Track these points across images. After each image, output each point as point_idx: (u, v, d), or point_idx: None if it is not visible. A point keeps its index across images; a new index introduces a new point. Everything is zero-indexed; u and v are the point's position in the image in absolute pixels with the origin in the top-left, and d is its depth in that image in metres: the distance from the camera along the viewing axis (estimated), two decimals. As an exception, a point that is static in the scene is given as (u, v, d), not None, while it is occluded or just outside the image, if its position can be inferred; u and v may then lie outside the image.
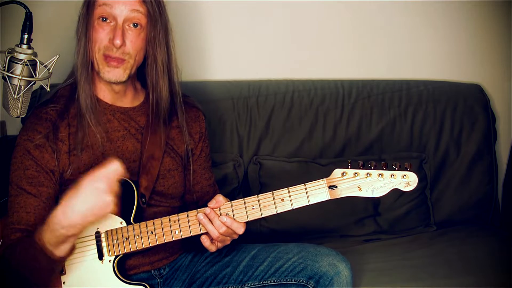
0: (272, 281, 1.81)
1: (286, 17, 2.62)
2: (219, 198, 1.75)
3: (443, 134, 2.64)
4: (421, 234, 2.53)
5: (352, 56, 2.71)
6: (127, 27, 1.76)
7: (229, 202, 1.75)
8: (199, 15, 2.54)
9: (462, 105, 2.67)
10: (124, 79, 1.79)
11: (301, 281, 1.78)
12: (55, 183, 1.76)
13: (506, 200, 2.73)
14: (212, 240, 1.76)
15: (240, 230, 1.74)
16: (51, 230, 1.58)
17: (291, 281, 1.79)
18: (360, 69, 2.71)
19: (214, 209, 1.74)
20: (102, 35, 1.75)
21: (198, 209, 1.75)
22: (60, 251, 1.61)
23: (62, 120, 1.78)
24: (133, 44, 1.76)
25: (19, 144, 1.76)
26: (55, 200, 1.75)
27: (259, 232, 2.37)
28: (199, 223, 1.74)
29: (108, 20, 1.75)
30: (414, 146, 2.62)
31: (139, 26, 1.77)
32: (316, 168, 2.48)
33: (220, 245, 1.78)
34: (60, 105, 1.80)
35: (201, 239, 1.76)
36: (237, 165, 2.44)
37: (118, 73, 1.77)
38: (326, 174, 2.48)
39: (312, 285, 1.77)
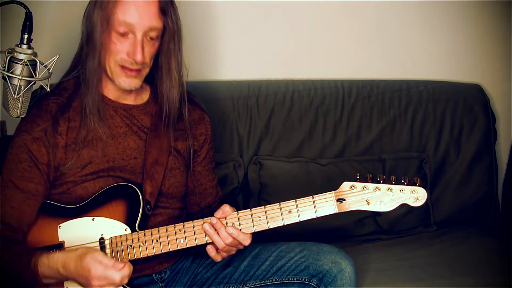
0: (274, 280, 1.81)
1: (286, 17, 2.62)
2: (226, 208, 1.74)
3: (443, 134, 2.64)
4: (421, 234, 2.53)
5: (352, 56, 2.70)
6: (144, 39, 1.75)
7: (236, 213, 1.74)
8: (199, 15, 2.54)
9: (462, 105, 2.66)
10: (139, 86, 1.80)
11: (303, 279, 1.78)
12: (46, 181, 1.75)
13: (506, 200, 2.73)
14: (217, 250, 1.75)
15: (246, 241, 1.73)
16: (50, 268, 1.61)
17: (293, 279, 1.79)
18: (361, 69, 2.71)
19: (221, 219, 1.73)
20: (119, 48, 1.74)
21: (204, 219, 1.74)
22: (48, 282, 1.63)
23: (62, 114, 1.77)
24: (149, 54, 1.77)
25: (17, 135, 1.77)
26: (43, 197, 1.76)
27: (259, 232, 2.37)
28: (205, 233, 1.74)
29: (125, 35, 1.74)
30: (414, 146, 2.61)
31: (155, 38, 1.77)
32: (316, 168, 2.48)
33: (225, 254, 1.77)
34: (62, 98, 1.80)
35: (206, 249, 1.76)
36: (237, 165, 2.44)
37: (134, 82, 1.78)
38: (326, 174, 2.48)
39: (315, 283, 1.76)
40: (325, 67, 2.68)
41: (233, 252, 1.78)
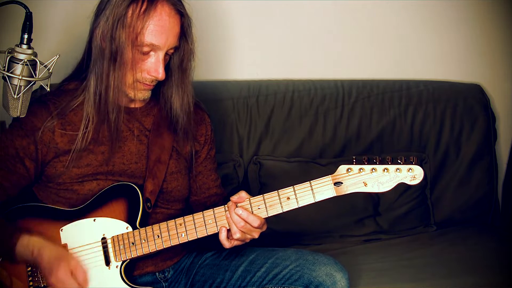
0: None
1: (286, 17, 2.62)
2: (242, 194, 1.75)
3: (443, 134, 2.64)
4: (421, 234, 2.53)
5: (352, 56, 2.71)
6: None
7: (235, 203, 1.74)
8: (198, 16, 2.53)
9: (462, 105, 2.67)
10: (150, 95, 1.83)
11: None
12: (30, 176, 1.76)
13: (506, 200, 2.73)
14: (228, 237, 1.74)
15: (256, 222, 1.71)
16: (26, 248, 1.65)
17: None
18: (360, 69, 2.71)
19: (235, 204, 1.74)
20: (141, 66, 1.75)
21: (205, 211, 1.75)
22: (20, 259, 1.68)
23: (59, 117, 1.76)
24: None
25: (11, 126, 1.77)
26: (23, 186, 1.77)
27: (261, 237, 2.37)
28: (215, 221, 1.74)
29: (147, 53, 1.75)
30: (414, 146, 2.62)
31: (170, 54, 1.80)
32: (316, 168, 2.48)
33: (238, 242, 1.76)
34: (62, 100, 1.79)
35: (219, 231, 1.74)
36: (237, 165, 2.44)
37: (148, 93, 1.80)
38: (326, 174, 2.47)
39: None
40: (325, 67, 2.68)
41: (247, 240, 1.76)
